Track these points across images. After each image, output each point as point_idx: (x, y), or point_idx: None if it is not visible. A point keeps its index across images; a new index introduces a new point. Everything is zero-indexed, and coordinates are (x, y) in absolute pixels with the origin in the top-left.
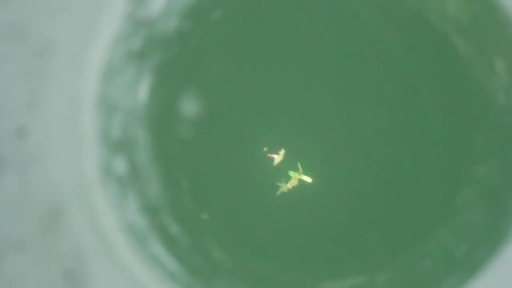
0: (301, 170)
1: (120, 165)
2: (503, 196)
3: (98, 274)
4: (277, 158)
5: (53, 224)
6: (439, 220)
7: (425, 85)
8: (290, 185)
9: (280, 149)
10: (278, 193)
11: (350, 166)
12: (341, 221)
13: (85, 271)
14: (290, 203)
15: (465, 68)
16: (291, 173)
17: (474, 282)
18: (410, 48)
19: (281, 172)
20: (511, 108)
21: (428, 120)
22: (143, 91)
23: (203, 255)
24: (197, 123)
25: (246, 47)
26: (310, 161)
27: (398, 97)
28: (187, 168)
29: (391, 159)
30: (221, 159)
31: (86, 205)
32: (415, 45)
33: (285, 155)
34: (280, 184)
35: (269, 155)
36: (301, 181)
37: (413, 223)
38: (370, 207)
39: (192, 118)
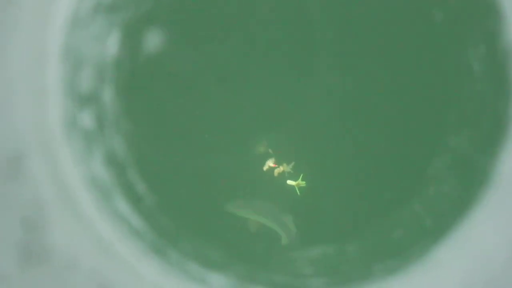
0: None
1: (86, 119)
2: (474, 165)
3: (58, 223)
4: (269, 163)
5: (13, 172)
6: (411, 190)
7: (399, 54)
8: (274, 168)
9: (280, 163)
10: (264, 168)
11: (322, 137)
12: (312, 190)
13: (44, 220)
14: (263, 171)
15: (440, 36)
16: (291, 182)
17: (441, 247)
18: (384, 17)
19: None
20: (485, 77)
21: (401, 89)
22: (112, 45)
23: (170, 215)
24: (169, 79)
25: (225, 7)
26: (281, 130)
27: (370, 65)
28: (156, 125)
29: (363, 129)
30: (193, 117)
31: (48, 155)
32: (390, 13)
33: (278, 170)
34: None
35: (272, 164)
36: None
37: (385, 193)
38: (341, 177)
39: (163, 75)
